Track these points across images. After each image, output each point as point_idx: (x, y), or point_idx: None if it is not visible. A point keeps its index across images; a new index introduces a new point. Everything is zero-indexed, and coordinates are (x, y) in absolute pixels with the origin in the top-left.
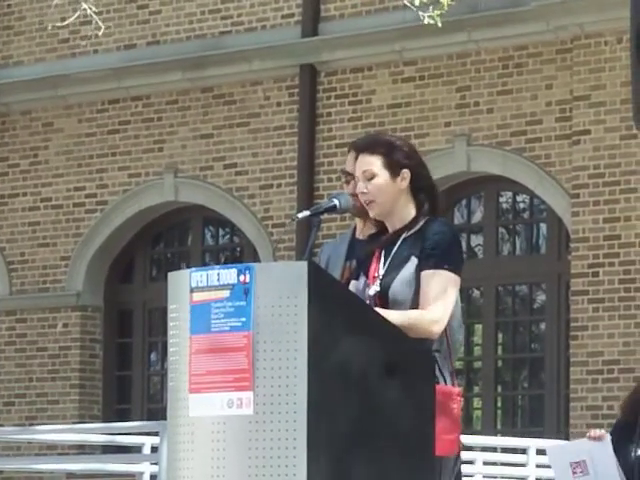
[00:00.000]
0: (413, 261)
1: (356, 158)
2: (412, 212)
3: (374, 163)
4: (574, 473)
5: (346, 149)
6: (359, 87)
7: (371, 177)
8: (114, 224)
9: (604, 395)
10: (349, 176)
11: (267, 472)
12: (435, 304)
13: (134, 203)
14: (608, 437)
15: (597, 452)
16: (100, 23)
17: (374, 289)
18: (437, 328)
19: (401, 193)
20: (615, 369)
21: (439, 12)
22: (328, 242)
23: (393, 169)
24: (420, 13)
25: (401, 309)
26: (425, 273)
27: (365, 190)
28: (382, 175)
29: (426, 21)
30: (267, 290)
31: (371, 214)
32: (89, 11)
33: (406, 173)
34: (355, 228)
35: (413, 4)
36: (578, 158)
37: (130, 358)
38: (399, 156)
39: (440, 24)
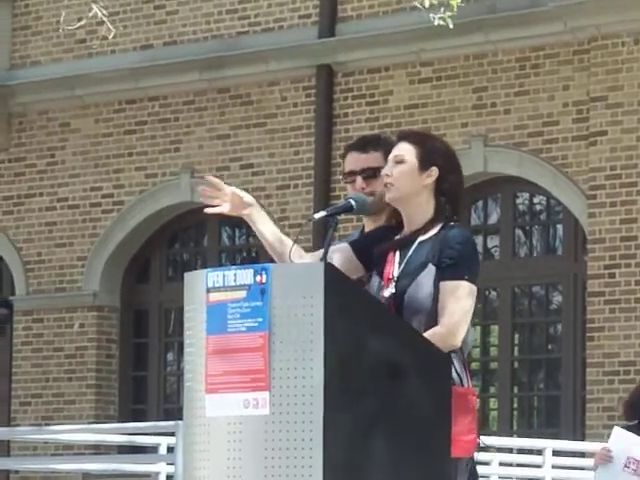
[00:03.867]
0: (430, 269)
1: (386, 156)
2: (430, 213)
3: (407, 150)
4: (625, 466)
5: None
6: (376, 88)
7: (399, 162)
8: (130, 224)
9: (620, 396)
10: (349, 176)
11: (283, 472)
12: (455, 317)
13: (151, 203)
14: None
15: None
16: (111, 27)
17: (389, 291)
18: (457, 341)
19: (424, 189)
20: (631, 370)
21: (450, 14)
22: (335, 243)
23: (423, 162)
24: (431, 15)
25: (418, 317)
26: (445, 284)
27: (389, 173)
28: (410, 163)
29: (436, 22)
30: (283, 290)
31: (387, 197)
32: (100, 15)
33: (434, 171)
34: (364, 228)
35: (423, 5)
36: (595, 159)
37: (146, 358)
38: (434, 152)
39: (452, 25)
